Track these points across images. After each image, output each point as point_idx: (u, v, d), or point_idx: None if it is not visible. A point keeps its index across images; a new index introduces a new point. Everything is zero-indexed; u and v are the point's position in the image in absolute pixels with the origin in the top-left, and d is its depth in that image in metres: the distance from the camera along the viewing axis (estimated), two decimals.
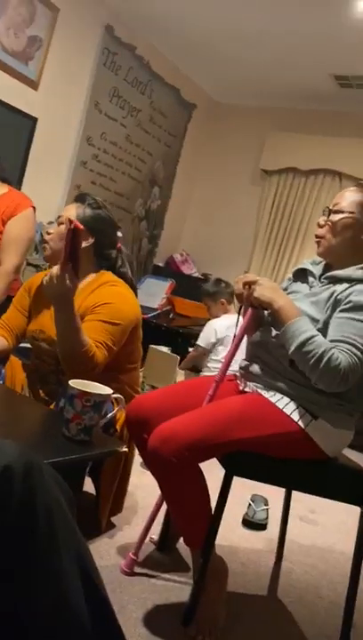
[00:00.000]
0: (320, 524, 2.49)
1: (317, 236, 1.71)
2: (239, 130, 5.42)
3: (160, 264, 5.35)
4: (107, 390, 1.30)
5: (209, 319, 3.75)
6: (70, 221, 1.38)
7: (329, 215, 1.66)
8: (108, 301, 1.73)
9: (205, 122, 5.48)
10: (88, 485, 1.85)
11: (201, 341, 3.60)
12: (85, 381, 1.31)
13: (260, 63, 4.46)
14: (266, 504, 2.37)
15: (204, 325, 3.79)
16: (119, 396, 1.41)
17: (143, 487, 2.27)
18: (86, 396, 1.26)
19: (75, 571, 0.72)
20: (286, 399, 1.54)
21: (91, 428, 1.27)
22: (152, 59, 4.62)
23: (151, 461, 1.49)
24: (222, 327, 3.54)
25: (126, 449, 1.32)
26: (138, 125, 4.72)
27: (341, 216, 1.63)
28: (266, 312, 1.68)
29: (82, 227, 1.41)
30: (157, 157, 5.04)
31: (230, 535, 2.13)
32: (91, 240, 1.84)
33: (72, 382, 1.28)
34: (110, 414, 1.38)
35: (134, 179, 4.85)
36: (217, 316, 3.69)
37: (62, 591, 0.70)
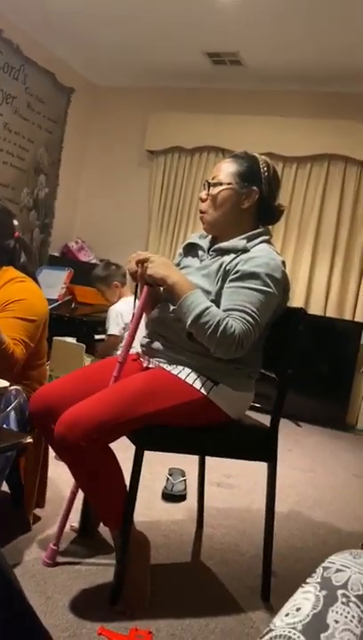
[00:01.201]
0: (236, 486, 2.60)
1: (201, 211, 1.75)
2: (121, 112, 5.38)
3: (55, 254, 5.23)
4: (3, 383, 1.27)
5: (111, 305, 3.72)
6: None
7: (209, 189, 1.70)
8: (21, 298, 1.69)
9: (85, 105, 5.38)
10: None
11: (113, 329, 3.56)
12: None
13: (132, 43, 4.44)
14: (183, 475, 2.43)
15: (107, 312, 3.75)
16: (17, 387, 1.38)
17: (60, 478, 2.25)
18: None
19: None
20: (188, 370, 1.58)
21: None
22: (22, 42, 4.45)
23: (60, 449, 1.48)
24: (126, 312, 3.54)
25: (31, 440, 1.30)
26: (15, 113, 4.55)
27: (220, 188, 1.68)
28: (161, 288, 1.71)
29: None
30: (39, 144, 4.89)
31: (151, 511, 2.17)
32: None
33: None
34: (10, 407, 1.35)
35: (18, 168, 4.69)
36: (113, 301, 3.66)
37: None
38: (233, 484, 2.63)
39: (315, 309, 4.62)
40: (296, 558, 1.99)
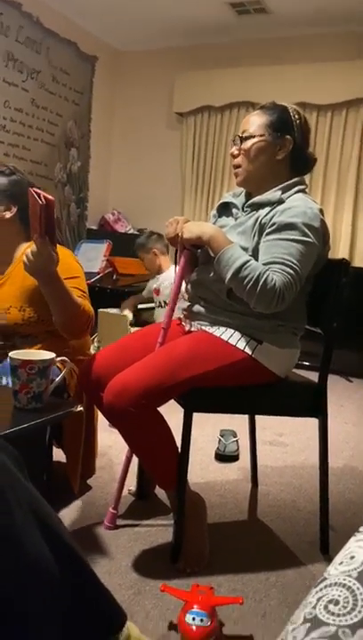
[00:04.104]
0: (289, 444, 2.60)
1: (234, 167, 1.70)
2: (147, 75, 5.27)
3: (93, 227, 5.25)
4: (49, 355, 1.29)
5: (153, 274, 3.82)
6: (40, 195, 1.33)
7: (241, 143, 1.65)
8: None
9: (110, 73, 5.30)
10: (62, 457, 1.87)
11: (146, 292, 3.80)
12: (25, 351, 1.29)
13: (151, 3, 4.30)
14: (235, 436, 2.44)
15: (148, 281, 3.89)
16: (64, 358, 1.40)
17: (115, 445, 2.31)
18: (29, 364, 1.24)
19: (31, 524, 0.73)
20: (231, 330, 1.57)
21: (40, 394, 1.26)
22: (42, 14, 4.39)
23: (110, 416, 1.50)
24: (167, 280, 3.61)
25: (81, 408, 1.33)
26: (41, 87, 4.52)
27: (253, 141, 1.62)
28: (198, 251, 1.70)
29: (52, 197, 1.37)
30: (68, 118, 4.86)
31: (205, 472, 2.20)
32: (14, 209, 1.77)
33: (12, 354, 1.26)
34: (59, 377, 1.38)
35: (49, 143, 4.69)
36: (152, 268, 3.80)
37: (20, 545, 0.71)
38: (286, 442, 2.62)
39: (359, 261, 4.49)
40: (353, 512, 1.98)
